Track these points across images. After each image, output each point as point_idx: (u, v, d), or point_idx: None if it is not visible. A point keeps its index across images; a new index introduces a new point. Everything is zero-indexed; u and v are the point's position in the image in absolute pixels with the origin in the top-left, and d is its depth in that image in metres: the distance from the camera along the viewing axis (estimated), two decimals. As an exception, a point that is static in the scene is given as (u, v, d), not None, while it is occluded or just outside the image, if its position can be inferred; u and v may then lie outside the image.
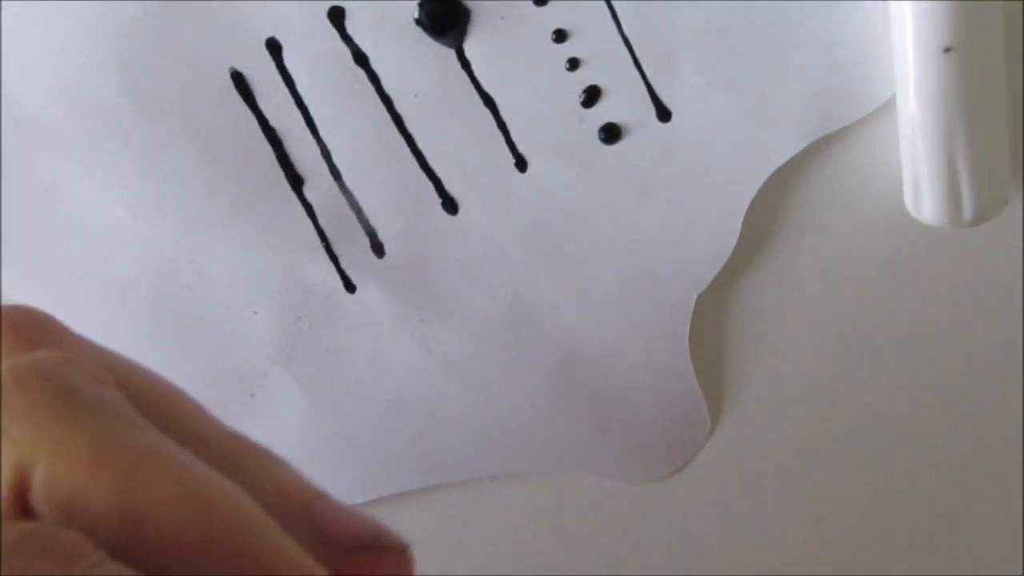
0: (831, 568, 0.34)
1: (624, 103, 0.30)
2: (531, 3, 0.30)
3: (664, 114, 0.31)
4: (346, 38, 0.29)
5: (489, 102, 0.30)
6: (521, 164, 0.31)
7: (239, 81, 0.29)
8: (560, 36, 0.30)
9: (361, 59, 0.29)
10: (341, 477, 0.31)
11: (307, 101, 0.29)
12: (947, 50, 0.29)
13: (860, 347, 0.33)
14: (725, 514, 0.34)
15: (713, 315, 0.32)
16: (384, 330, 0.31)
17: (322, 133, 0.29)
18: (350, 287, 0.31)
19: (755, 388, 0.33)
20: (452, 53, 0.30)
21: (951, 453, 0.34)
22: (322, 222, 0.30)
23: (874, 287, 0.33)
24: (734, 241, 0.31)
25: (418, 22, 0.29)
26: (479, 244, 0.31)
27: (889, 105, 0.31)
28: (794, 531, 0.34)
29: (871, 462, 0.34)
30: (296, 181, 0.30)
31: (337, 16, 0.29)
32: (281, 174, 0.30)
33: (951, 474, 0.34)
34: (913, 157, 0.30)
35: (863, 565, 0.34)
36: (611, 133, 0.31)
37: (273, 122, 0.29)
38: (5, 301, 0.30)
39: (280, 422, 0.31)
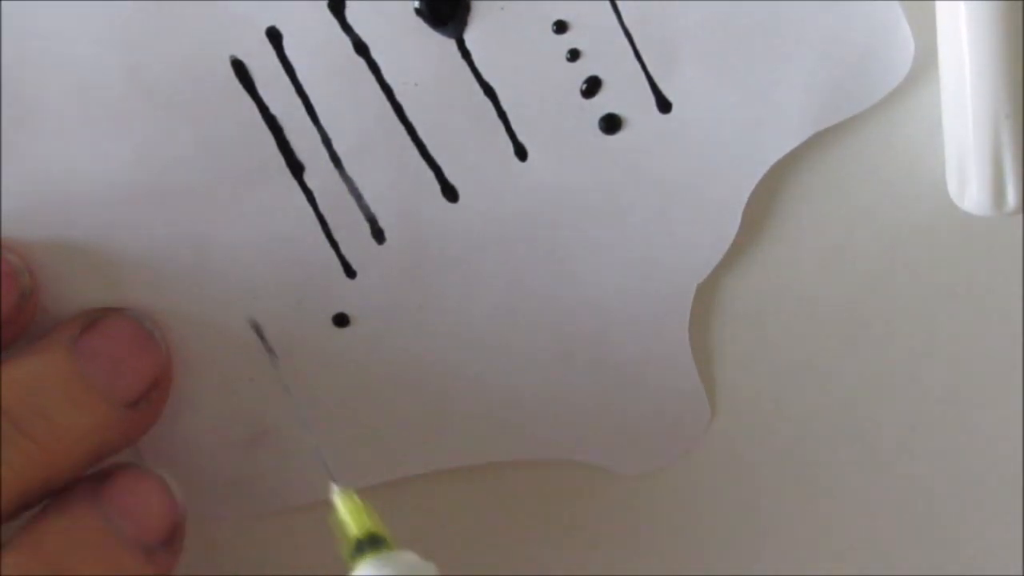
0: (829, 562, 0.34)
1: (624, 94, 0.30)
2: (531, -7, 0.30)
3: (664, 105, 0.31)
4: (346, 28, 0.29)
5: (489, 92, 0.30)
6: (521, 153, 0.31)
7: (240, 70, 0.29)
8: (560, 27, 0.30)
9: (361, 49, 0.29)
10: (339, 463, 0.32)
11: (307, 89, 0.29)
12: None
13: (860, 339, 0.33)
14: (725, 503, 0.34)
15: (712, 305, 0.32)
16: (383, 316, 0.31)
17: (322, 121, 0.30)
18: (350, 272, 0.31)
19: (755, 378, 0.33)
20: (452, 43, 0.30)
21: (953, 448, 0.34)
22: (322, 208, 0.30)
23: (874, 278, 0.33)
24: (734, 232, 0.31)
25: (418, 12, 0.29)
26: (479, 231, 0.31)
27: (890, 97, 0.31)
28: (793, 522, 0.34)
29: (871, 456, 0.34)
30: (296, 168, 0.30)
31: (337, 6, 0.29)
32: (282, 161, 0.30)
33: (952, 470, 0.34)
34: (962, 140, 0.30)
35: (861, 562, 0.34)
36: (611, 123, 0.31)
37: (273, 110, 0.30)
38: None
39: (279, 407, 0.31)
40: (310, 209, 0.30)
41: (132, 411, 0.29)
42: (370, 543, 0.25)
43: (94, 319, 0.29)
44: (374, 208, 0.31)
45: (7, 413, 0.27)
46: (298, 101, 0.30)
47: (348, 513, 0.26)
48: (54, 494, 0.28)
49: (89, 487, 0.29)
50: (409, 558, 0.25)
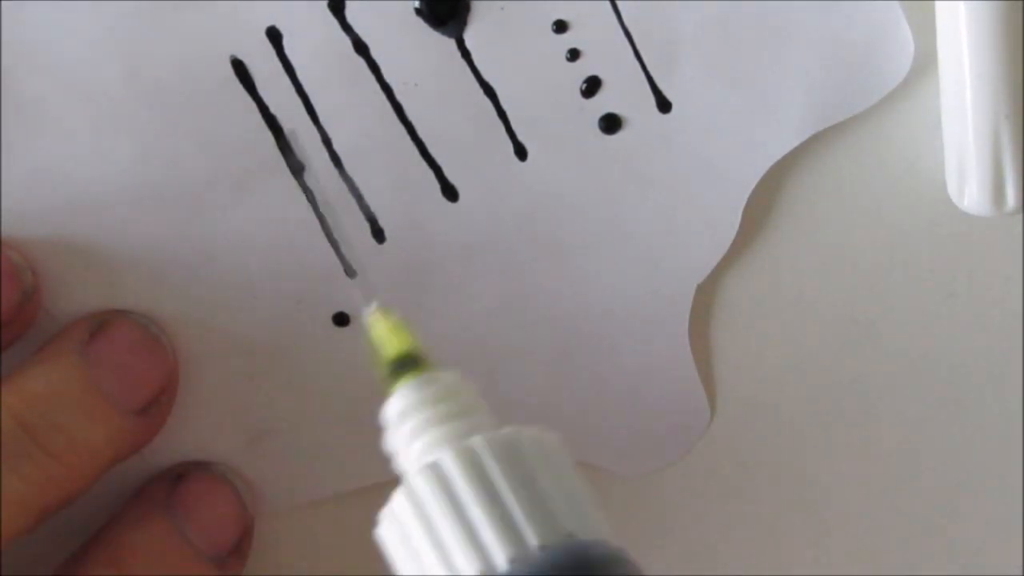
0: (829, 562, 0.34)
1: (624, 94, 0.30)
2: (531, -7, 0.30)
3: (664, 105, 0.31)
4: (346, 27, 0.29)
5: (489, 91, 0.30)
6: (521, 153, 0.31)
7: (240, 69, 0.29)
8: (560, 27, 0.30)
9: (361, 48, 0.29)
10: (339, 462, 0.32)
11: (307, 89, 0.29)
12: None
13: (859, 339, 0.33)
14: (725, 503, 0.34)
15: (712, 305, 0.32)
16: (384, 316, 0.31)
17: (322, 121, 0.30)
18: (350, 272, 0.31)
19: (755, 378, 0.33)
20: (452, 43, 0.30)
21: (953, 448, 0.34)
22: (322, 208, 0.30)
23: (874, 278, 0.33)
24: (734, 232, 0.31)
25: (418, 12, 0.29)
26: (478, 231, 0.31)
27: (890, 97, 0.31)
28: (793, 523, 0.34)
29: (871, 456, 0.34)
30: (296, 168, 0.30)
31: (337, 6, 0.29)
32: (281, 161, 0.30)
33: (952, 470, 0.34)
34: (961, 140, 0.30)
35: (861, 562, 0.34)
36: (611, 123, 0.31)
37: (273, 109, 0.30)
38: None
39: (278, 406, 0.31)
40: (310, 209, 0.30)
41: (142, 418, 0.29)
42: (409, 363, 0.23)
43: (100, 323, 0.29)
44: (374, 208, 0.31)
45: (27, 428, 0.27)
46: (298, 101, 0.30)
47: (385, 332, 0.24)
48: (70, 505, 0.28)
49: (162, 494, 0.30)
50: (449, 378, 0.23)
